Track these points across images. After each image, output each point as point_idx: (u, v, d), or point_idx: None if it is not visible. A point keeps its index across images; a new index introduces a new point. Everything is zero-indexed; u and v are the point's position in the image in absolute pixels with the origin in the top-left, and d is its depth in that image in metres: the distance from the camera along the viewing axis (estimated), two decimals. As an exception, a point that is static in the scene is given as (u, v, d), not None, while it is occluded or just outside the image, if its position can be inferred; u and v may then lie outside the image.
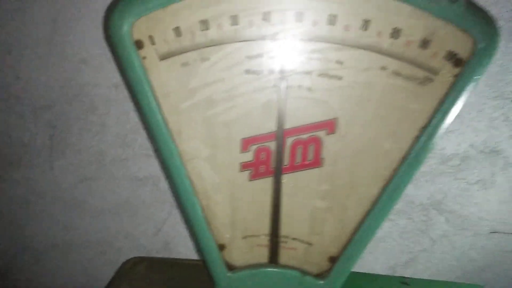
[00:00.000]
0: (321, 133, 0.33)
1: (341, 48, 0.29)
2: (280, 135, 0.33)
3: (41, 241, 0.60)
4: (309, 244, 0.39)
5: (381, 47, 0.28)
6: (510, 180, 0.47)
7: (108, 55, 0.45)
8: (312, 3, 0.28)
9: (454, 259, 0.55)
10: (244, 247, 0.40)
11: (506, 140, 0.45)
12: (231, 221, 0.38)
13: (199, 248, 0.40)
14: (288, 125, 0.33)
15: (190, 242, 0.57)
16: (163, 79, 0.32)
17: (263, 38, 0.29)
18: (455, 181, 0.48)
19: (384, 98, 0.30)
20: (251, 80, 0.31)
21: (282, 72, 0.31)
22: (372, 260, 0.57)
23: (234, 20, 0.29)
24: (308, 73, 0.30)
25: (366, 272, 0.56)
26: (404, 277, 0.53)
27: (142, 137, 0.50)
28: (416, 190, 0.50)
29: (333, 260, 0.39)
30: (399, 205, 0.52)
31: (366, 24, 0.28)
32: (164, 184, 0.52)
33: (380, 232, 0.54)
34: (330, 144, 0.33)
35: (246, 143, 0.34)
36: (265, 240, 0.39)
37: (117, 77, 0.46)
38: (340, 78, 0.30)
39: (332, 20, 0.28)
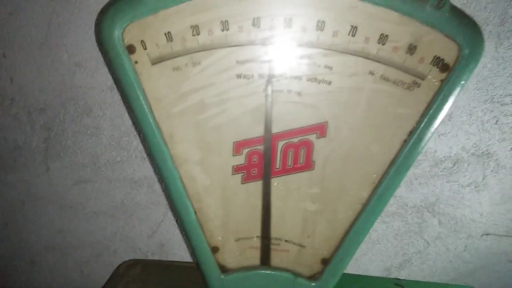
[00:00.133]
0: (312, 137, 0.33)
1: (330, 54, 0.29)
2: (268, 138, 0.33)
3: (37, 243, 0.60)
4: (302, 246, 0.39)
5: (369, 53, 0.29)
6: (501, 183, 0.48)
7: (103, 58, 0.45)
8: (301, 9, 0.28)
9: (447, 261, 0.56)
10: (237, 249, 0.40)
11: (497, 142, 0.45)
12: (224, 223, 0.39)
13: (192, 251, 0.40)
14: (278, 128, 0.33)
15: (185, 244, 0.57)
16: (155, 83, 0.32)
17: (253, 43, 0.30)
18: (448, 183, 0.49)
19: (373, 102, 0.31)
20: (241, 85, 0.31)
21: (271, 76, 0.31)
22: (367, 262, 0.57)
23: (225, 25, 0.29)
24: (297, 78, 0.31)
25: (361, 274, 0.57)
26: (398, 278, 0.53)
27: (136, 139, 0.50)
28: (410, 193, 0.50)
29: (325, 262, 0.39)
30: (393, 207, 0.52)
31: (354, 30, 0.28)
32: (159, 186, 0.53)
33: (375, 234, 0.54)
34: (321, 148, 0.34)
35: (238, 146, 0.35)
36: (257, 242, 0.40)
37: (111, 80, 0.46)
38: (329, 82, 0.30)
39: (320, 26, 0.28)
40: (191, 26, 0.29)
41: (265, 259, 0.40)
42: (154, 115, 0.33)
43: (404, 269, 0.57)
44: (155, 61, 0.31)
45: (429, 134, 0.30)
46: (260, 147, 0.34)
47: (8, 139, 0.51)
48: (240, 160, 0.35)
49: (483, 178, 0.48)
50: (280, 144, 0.34)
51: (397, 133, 0.31)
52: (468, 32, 0.27)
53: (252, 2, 0.28)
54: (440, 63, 0.28)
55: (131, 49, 0.31)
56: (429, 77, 0.29)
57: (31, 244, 0.60)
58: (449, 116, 0.45)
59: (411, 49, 0.28)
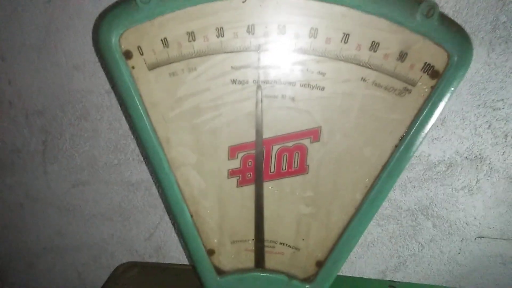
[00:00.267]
0: (305, 141, 0.34)
1: (322, 60, 0.30)
2: (259, 142, 0.34)
3: (35, 245, 0.60)
4: (297, 248, 0.40)
5: (361, 59, 0.29)
6: (494, 186, 0.48)
7: (100, 62, 0.45)
8: (294, 17, 0.29)
9: (442, 263, 0.56)
10: (233, 252, 0.41)
11: (490, 147, 0.46)
12: (219, 226, 0.39)
13: (189, 253, 0.40)
14: (272, 133, 0.34)
15: (181, 246, 0.57)
16: (152, 88, 0.32)
17: (247, 49, 0.30)
18: (441, 187, 0.49)
19: (365, 108, 0.31)
20: (236, 90, 0.32)
21: (265, 82, 0.32)
22: (363, 264, 0.58)
23: (220, 32, 0.30)
24: (291, 83, 0.31)
25: (357, 276, 0.57)
26: (392, 281, 0.53)
27: (134, 142, 0.50)
28: (404, 196, 0.51)
29: (319, 264, 0.40)
30: (388, 210, 0.52)
31: (346, 37, 0.29)
32: (155, 190, 0.53)
33: (370, 237, 0.55)
34: (315, 152, 0.34)
35: (234, 150, 0.35)
36: (253, 245, 0.40)
37: (109, 84, 0.47)
38: (322, 88, 0.31)
39: (313, 33, 0.29)
40: (187, 33, 0.30)
41: (260, 261, 0.40)
42: (150, 119, 0.33)
43: (399, 272, 0.58)
44: (152, 67, 0.32)
45: (420, 139, 0.31)
46: (255, 151, 0.35)
47: (6, 141, 0.52)
48: (236, 164, 0.36)
49: (477, 182, 0.48)
50: (275, 149, 0.35)
51: (388, 138, 0.32)
52: (457, 40, 0.27)
53: (247, 10, 0.29)
54: (430, 70, 0.29)
55: (128, 55, 0.31)
56: (420, 83, 0.29)
57: (29, 246, 0.60)
58: (443, 120, 0.45)
59: (402, 56, 0.29)
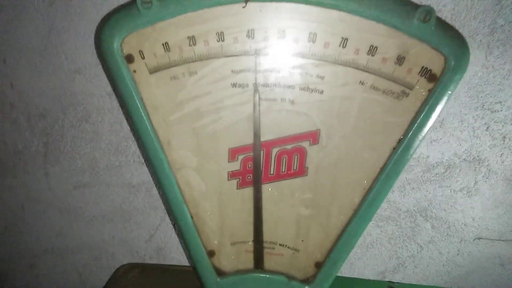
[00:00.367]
0: (305, 144, 0.34)
1: (321, 64, 0.30)
2: (257, 145, 0.34)
3: (36, 247, 0.60)
4: (296, 250, 0.40)
5: (359, 63, 0.30)
6: (492, 188, 0.49)
7: (102, 66, 0.46)
8: (293, 22, 0.29)
9: (441, 265, 0.56)
10: (233, 253, 0.41)
11: (488, 149, 0.46)
12: (219, 228, 0.40)
13: (189, 254, 0.41)
14: (272, 135, 0.34)
15: (182, 247, 0.57)
16: (153, 91, 0.33)
17: (247, 53, 0.31)
18: (440, 188, 0.50)
19: (363, 111, 0.32)
20: (236, 93, 0.32)
21: (265, 85, 0.32)
22: (362, 266, 0.58)
23: (220, 36, 0.30)
24: (290, 87, 0.32)
25: (356, 277, 0.57)
26: (391, 282, 0.54)
27: (135, 144, 0.51)
28: (403, 197, 0.51)
29: (319, 265, 0.40)
30: (387, 212, 0.53)
31: (344, 41, 0.29)
32: (156, 191, 0.53)
33: (369, 238, 0.55)
34: (314, 154, 0.35)
35: (234, 152, 0.36)
36: (252, 246, 0.40)
37: (110, 87, 0.47)
38: (321, 92, 0.31)
39: (312, 38, 0.29)
40: (188, 37, 0.30)
41: (259, 262, 0.41)
42: (151, 122, 0.34)
43: (398, 273, 0.58)
44: (153, 70, 0.32)
45: (417, 142, 0.31)
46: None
47: (7, 143, 0.52)
48: (236, 166, 0.36)
49: (475, 184, 0.49)
50: (275, 151, 0.35)
51: (386, 141, 0.32)
52: (453, 44, 0.28)
53: (247, 15, 0.29)
54: (427, 74, 0.29)
55: (129, 59, 0.32)
56: (417, 87, 0.30)
57: (30, 248, 0.61)
58: (441, 122, 0.46)
59: (400, 60, 0.29)
